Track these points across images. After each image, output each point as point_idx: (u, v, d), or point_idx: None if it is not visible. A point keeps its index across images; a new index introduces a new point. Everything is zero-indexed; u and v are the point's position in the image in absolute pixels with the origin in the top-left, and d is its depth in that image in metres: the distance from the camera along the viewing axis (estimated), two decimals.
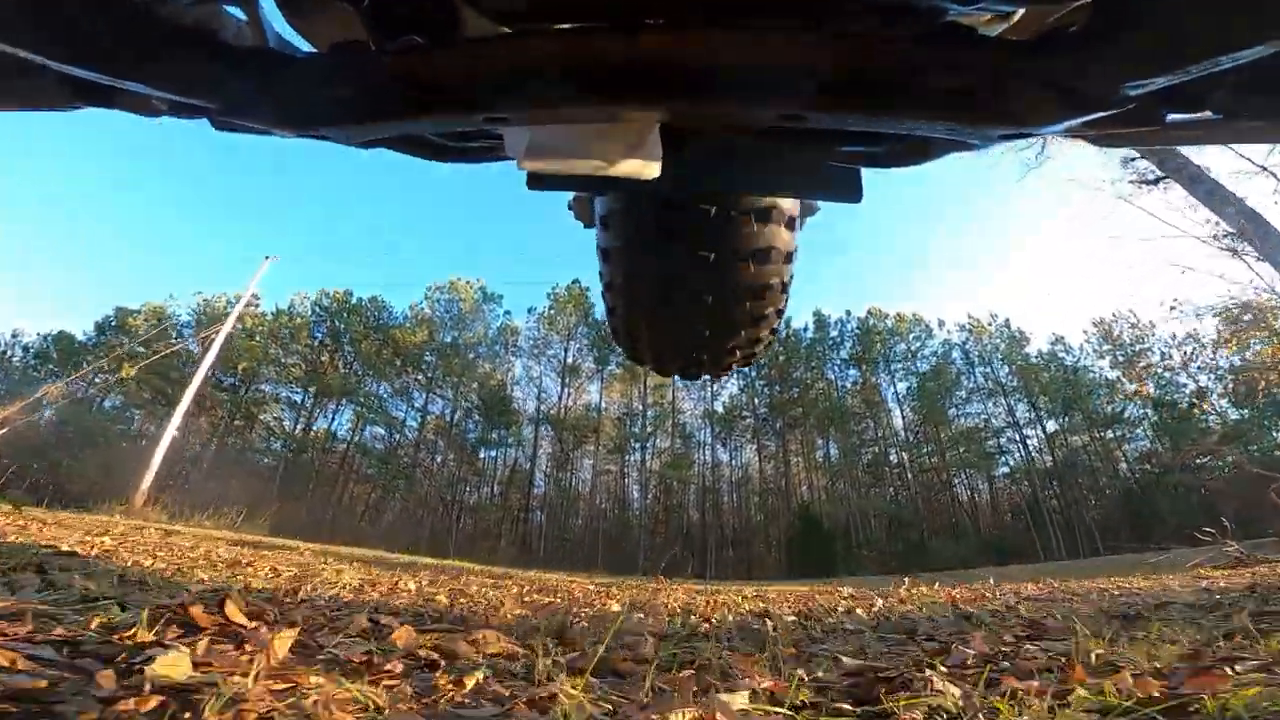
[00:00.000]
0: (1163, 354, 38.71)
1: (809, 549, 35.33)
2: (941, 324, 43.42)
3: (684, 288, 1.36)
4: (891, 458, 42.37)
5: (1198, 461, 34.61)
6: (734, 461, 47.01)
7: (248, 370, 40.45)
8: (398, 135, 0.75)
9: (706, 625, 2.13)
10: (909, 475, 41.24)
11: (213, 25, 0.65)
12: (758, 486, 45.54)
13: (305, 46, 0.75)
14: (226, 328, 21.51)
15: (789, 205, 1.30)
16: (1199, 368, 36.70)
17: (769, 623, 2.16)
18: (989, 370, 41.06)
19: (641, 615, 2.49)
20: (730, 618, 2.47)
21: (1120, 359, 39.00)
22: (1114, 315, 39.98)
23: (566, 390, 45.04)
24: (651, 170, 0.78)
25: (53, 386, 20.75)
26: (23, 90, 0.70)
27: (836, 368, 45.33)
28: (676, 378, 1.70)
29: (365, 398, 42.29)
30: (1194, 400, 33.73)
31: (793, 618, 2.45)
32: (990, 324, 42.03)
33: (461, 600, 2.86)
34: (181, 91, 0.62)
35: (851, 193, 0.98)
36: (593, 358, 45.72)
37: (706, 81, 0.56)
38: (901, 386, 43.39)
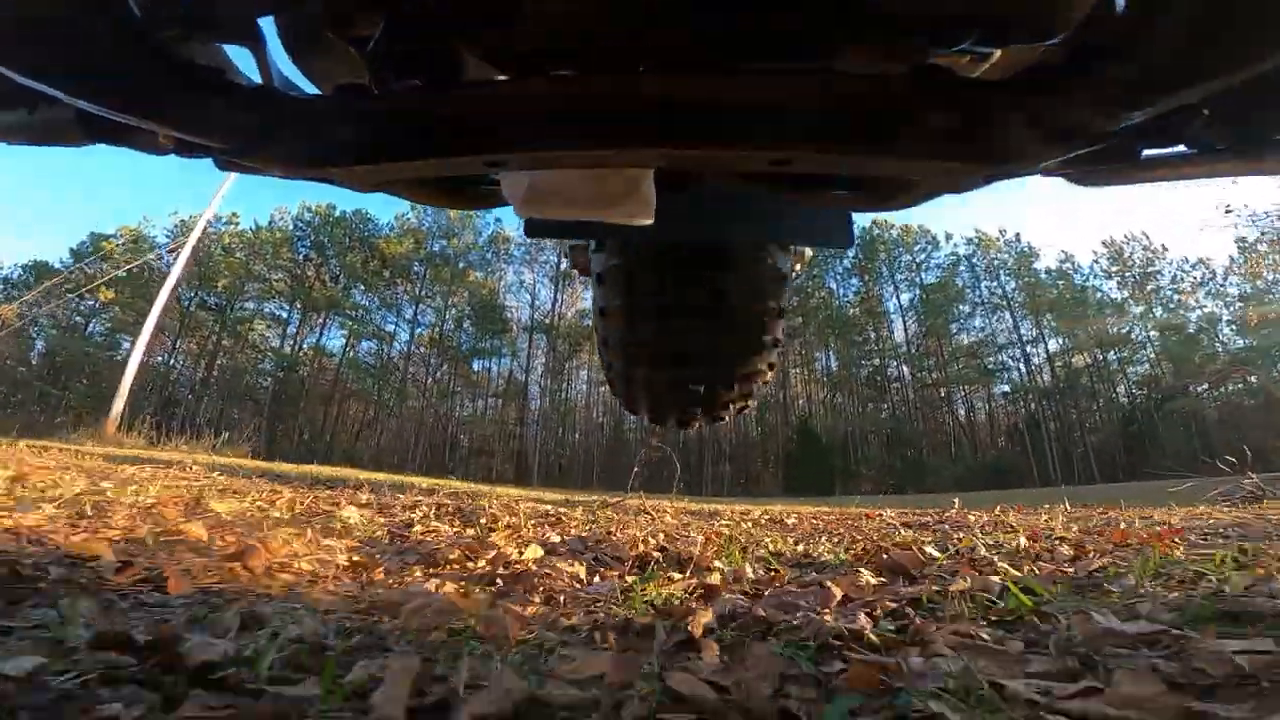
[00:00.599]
0: (1175, 276, 37.61)
1: (807, 465, 35.67)
2: (949, 237, 41.63)
3: (679, 349, 1.41)
4: (891, 372, 42.09)
5: (1198, 390, 34.49)
6: None
7: (229, 288, 38.63)
8: (401, 179, 0.76)
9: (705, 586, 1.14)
10: (909, 391, 41.14)
11: (221, 66, 0.66)
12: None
13: (310, 88, 0.76)
14: (193, 239, 19.80)
15: (782, 255, 1.36)
16: (1208, 293, 36.00)
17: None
18: (995, 285, 39.82)
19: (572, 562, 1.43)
20: (751, 569, 1.40)
21: (1131, 280, 37.86)
22: (1126, 236, 38.40)
23: (560, 298, 43.57)
24: (646, 216, 0.80)
25: (6, 307, 19.26)
26: (41, 126, 0.71)
27: (838, 277, 43.89)
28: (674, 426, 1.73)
29: (354, 309, 40.87)
30: (1204, 325, 33.45)
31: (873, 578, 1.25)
32: (999, 238, 40.23)
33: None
34: (192, 131, 0.63)
35: (843, 238, 1.04)
36: None
37: (703, 125, 0.58)
38: (905, 298, 42.35)
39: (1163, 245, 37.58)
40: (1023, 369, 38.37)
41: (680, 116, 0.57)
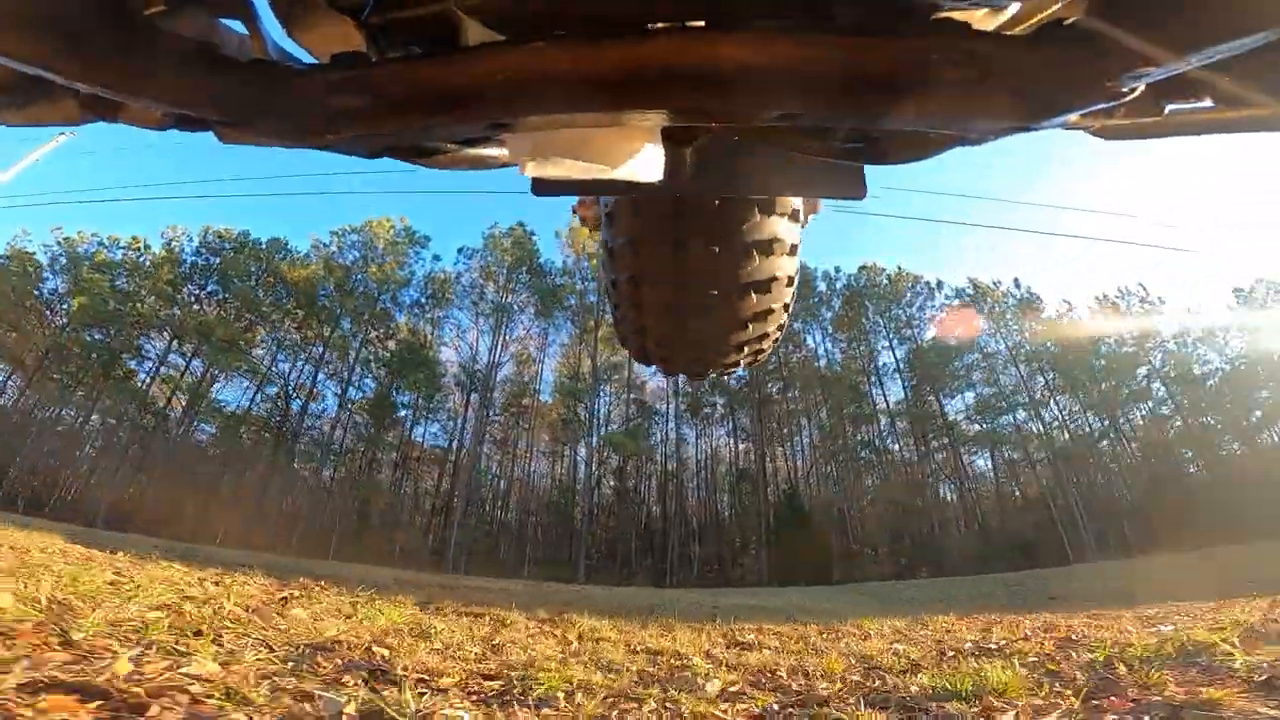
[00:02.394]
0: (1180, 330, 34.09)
1: (796, 546, 28.73)
2: (940, 284, 37.58)
3: (692, 283, 1.37)
4: (887, 436, 36.36)
5: (1234, 448, 30.39)
6: (701, 444, 40.31)
7: (85, 309, 30.88)
8: (403, 144, 0.77)
9: None
10: (909, 456, 35.27)
11: (214, 39, 0.67)
12: (730, 471, 38.90)
13: (306, 58, 0.75)
14: None
15: (793, 201, 1.35)
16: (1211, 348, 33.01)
17: None
18: (998, 339, 35.43)
19: None
20: None
21: (1129, 336, 34.14)
22: (1119, 291, 35.15)
23: (503, 351, 37.11)
24: (654, 173, 0.81)
25: None
26: (34, 106, 0.71)
27: (822, 330, 39.07)
28: (684, 377, 1.70)
29: (242, 345, 33.27)
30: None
31: None
32: (996, 288, 36.39)
33: None
34: (187, 105, 0.64)
35: (855, 190, 1.03)
36: (533, 308, 38.11)
37: (707, 84, 0.57)
38: (900, 353, 37.39)
39: (1159, 298, 34.52)
40: (1038, 428, 33.17)
41: (688, 76, 0.56)
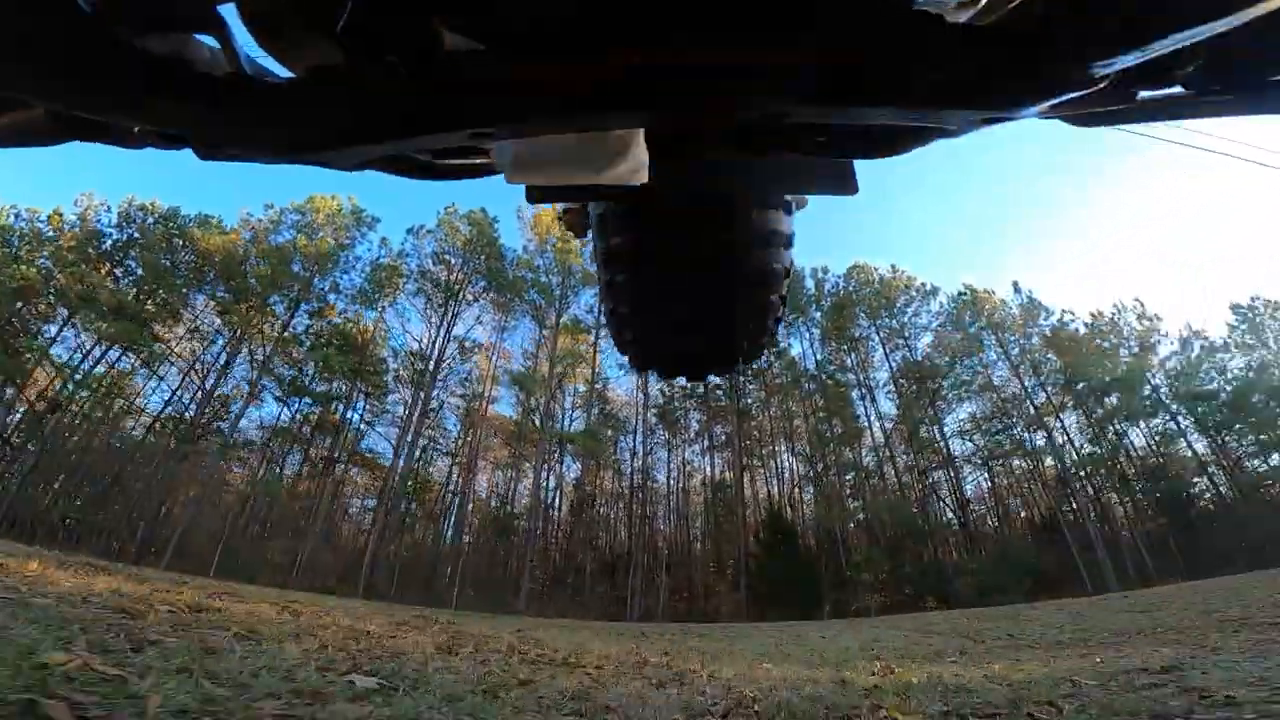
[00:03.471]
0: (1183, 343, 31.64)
1: (782, 576, 24.47)
2: (935, 290, 34.67)
3: (687, 285, 1.36)
4: (883, 452, 32.56)
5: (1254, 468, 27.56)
6: (674, 458, 36.11)
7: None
8: (384, 157, 0.77)
9: None
10: (909, 477, 31.49)
11: (186, 55, 0.66)
12: (705, 487, 34.63)
13: (283, 73, 0.74)
14: None
15: (787, 213, 1.32)
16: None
17: None
18: (1000, 348, 32.39)
19: None
20: None
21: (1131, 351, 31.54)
22: (1116, 306, 32.83)
23: (451, 346, 32.91)
24: (640, 176, 0.80)
25: None
26: (14, 128, 0.71)
27: (806, 339, 35.67)
28: (683, 380, 1.70)
29: (139, 326, 28.33)
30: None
31: None
32: (992, 294, 33.60)
33: None
34: (163, 124, 0.64)
35: (845, 185, 1.00)
36: (490, 299, 34.07)
37: (686, 86, 0.57)
38: (896, 359, 34.02)
39: (1157, 315, 32.22)
40: (1047, 441, 29.81)
41: (667, 82, 0.57)
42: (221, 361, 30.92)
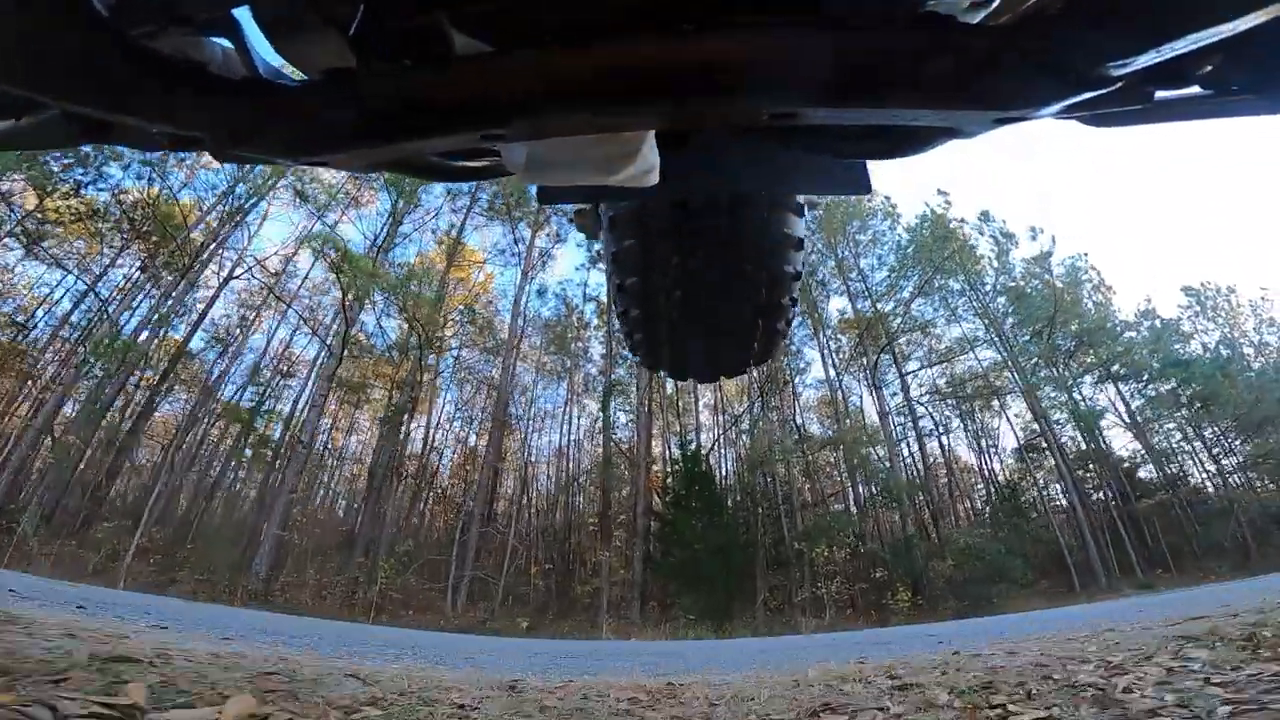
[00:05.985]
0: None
1: (696, 549, 16.36)
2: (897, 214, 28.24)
3: (699, 286, 1.35)
4: (837, 407, 25.42)
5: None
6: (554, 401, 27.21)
7: None
8: (397, 159, 0.78)
9: None
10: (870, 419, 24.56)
11: (202, 58, 0.68)
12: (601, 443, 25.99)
13: (296, 74, 0.74)
14: None
15: (798, 215, 1.32)
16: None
17: None
18: (966, 285, 26.50)
19: None
20: None
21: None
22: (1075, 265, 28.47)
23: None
24: (651, 176, 0.81)
25: None
26: (31, 131, 0.71)
27: None
28: (693, 382, 1.73)
29: None
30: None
31: None
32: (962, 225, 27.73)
33: None
34: (181, 126, 0.63)
35: (859, 186, 1.02)
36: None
37: (698, 85, 0.58)
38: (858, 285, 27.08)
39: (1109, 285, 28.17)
40: (1021, 405, 24.15)
41: (678, 78, 0.57)
42: None
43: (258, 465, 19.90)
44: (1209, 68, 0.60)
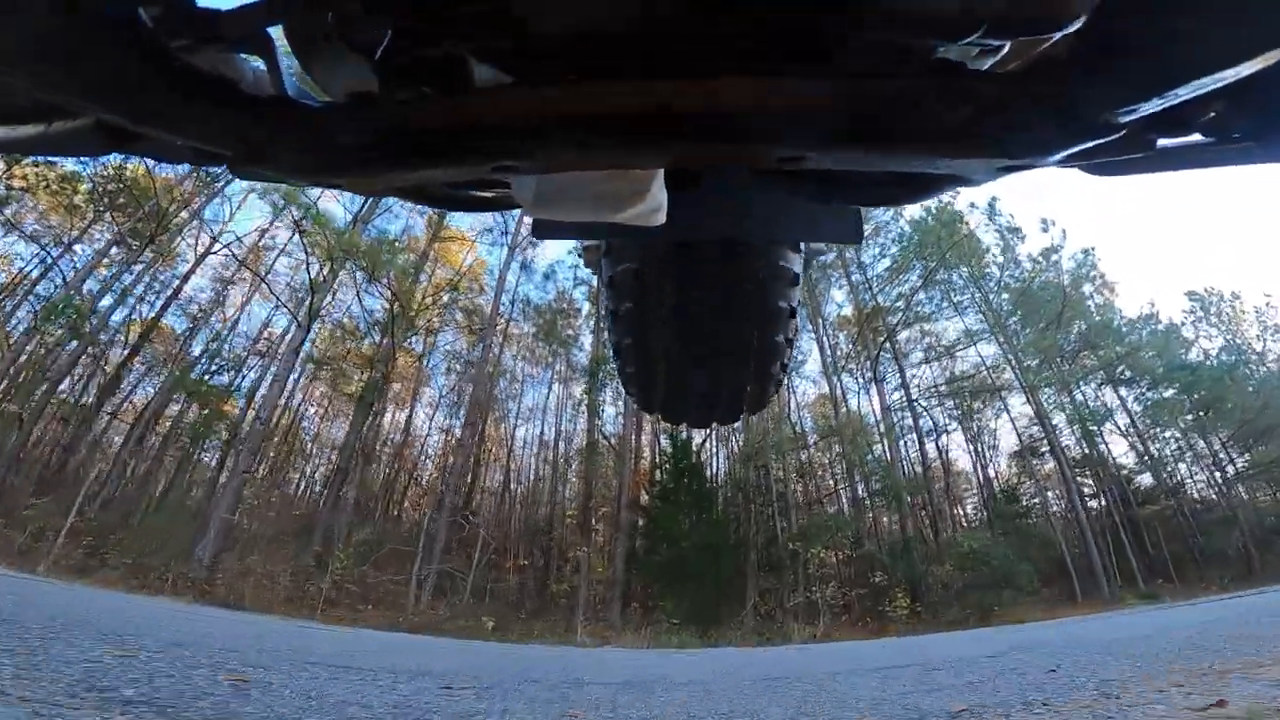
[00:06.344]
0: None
1: (683, 547, 15.21)
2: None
3: (697, 330, 1.36)
4: (835, 402, 24.34)
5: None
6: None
7: None
8: (410, 186, 0.78)
9: None
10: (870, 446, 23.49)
11: (233, 75, 0.68)
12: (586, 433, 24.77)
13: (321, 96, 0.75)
14: None
15: (793, 254, 1.31)
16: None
17: None
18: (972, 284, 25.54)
19: None
20: None
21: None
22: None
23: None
24: (659, 216, 0.81)
25: None
26: (58, 138, 0.72)
27: None
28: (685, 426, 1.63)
29: None
30: None
31: None
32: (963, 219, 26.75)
33: None
34: (209, 140, 0.65)
35: (852, 234, 1.03)
36: None
37: (713, 127, 0.59)
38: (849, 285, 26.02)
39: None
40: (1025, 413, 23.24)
41: (692, 119, 0.58)
42: None
43: (201, 442, 18.49)
44: (1211, 114, 0.60)
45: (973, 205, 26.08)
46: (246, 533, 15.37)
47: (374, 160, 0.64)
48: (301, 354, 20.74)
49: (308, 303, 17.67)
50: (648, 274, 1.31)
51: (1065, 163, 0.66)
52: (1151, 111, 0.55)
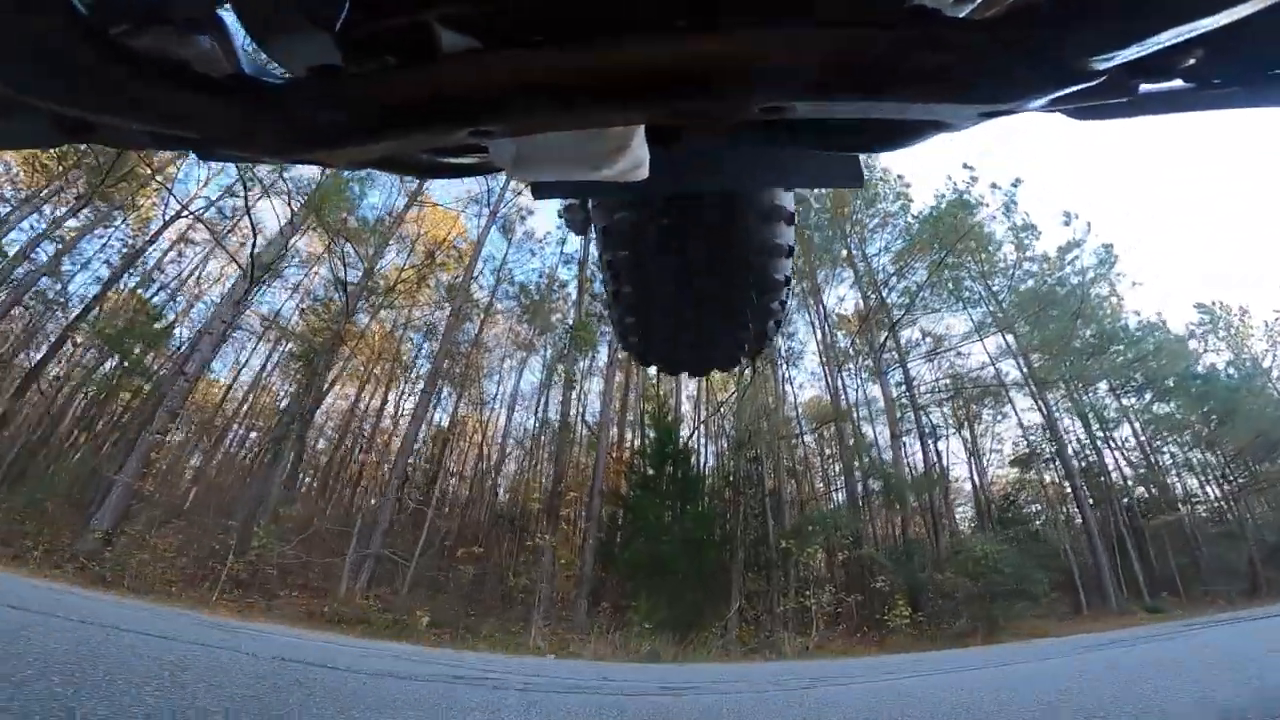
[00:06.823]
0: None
1: (666, 539, 13.43)
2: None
3: (691, 279, 1.36)
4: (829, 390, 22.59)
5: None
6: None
7: None
8: (387, 156, 0.78)
9: None
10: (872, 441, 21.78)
11: (186, 55, 0.66)
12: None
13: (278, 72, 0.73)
14: None
15: (787, 194, 1.33)
16: None
17: None
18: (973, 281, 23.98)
19: None
20: None
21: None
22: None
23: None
24: (641, 171, 0.81)
25: None
26: (15, 131, 0.71)
27: None
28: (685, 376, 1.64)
29: None
30: None
31: None
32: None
33: None
34: (165, 125, 0.63)
35: (852, 178, 1.05)
36: None
37: (687, 82, 0.59)
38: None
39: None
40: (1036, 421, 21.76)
41: (668, 74, 0.58)
42: None
43: (118, 394, 16.32)
44: (1191, 61, 0.60)
45: (994, 186, 24.59)
46: (156, 506, 13.29)
47: (345, 134, 0.63)
48: (249, 312, 18.60)
49: (249, 246, 15.50)
50: (643, 219, 1.27)
51: (1046, 108, 0.65)
52: (1131, 58, 0.54)
